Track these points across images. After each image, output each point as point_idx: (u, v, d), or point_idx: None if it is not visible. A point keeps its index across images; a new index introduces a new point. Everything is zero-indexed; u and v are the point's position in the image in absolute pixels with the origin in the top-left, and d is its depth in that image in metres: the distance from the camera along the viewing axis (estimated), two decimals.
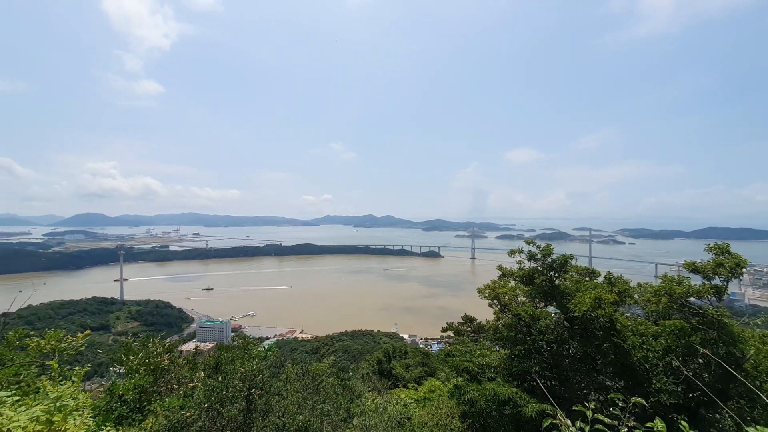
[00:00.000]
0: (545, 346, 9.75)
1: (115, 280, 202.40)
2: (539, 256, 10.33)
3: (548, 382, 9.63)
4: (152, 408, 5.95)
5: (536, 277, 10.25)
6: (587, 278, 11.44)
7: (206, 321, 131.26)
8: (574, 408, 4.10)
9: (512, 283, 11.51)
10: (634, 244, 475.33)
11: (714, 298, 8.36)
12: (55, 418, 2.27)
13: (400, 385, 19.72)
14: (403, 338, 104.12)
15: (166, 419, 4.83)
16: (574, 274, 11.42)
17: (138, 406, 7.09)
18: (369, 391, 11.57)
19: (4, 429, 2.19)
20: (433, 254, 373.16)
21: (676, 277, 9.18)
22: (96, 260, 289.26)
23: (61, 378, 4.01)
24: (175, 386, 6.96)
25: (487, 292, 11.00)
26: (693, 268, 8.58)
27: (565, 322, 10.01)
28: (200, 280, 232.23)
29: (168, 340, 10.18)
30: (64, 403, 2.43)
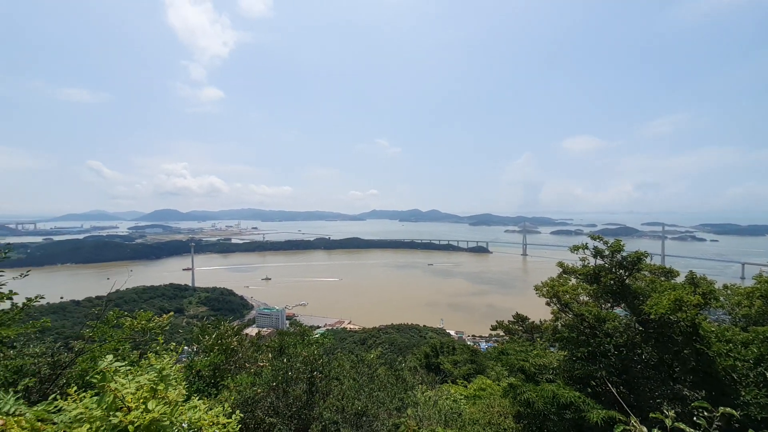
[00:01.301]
0: (612, 350, 9.00)
1: (183, 269, 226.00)
2: (607, 252, 9.49)
3: (615, 389, 8.90)
4: (226, 383, 6.65)
5: (603, 276, 9.44)
6: (662, 278, 10.32)
7: (264, 308, 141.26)
8: (651, 416, 3.76)
9: (573, 281, 10.74)
10: (716, 241, 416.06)
11: None
12: (159, 387, 2.63)
13: (448, 381, 19.58)
14: (449, 334, 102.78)
15: (239, 394, 5.35)
16: (647, 273, 10.36)
17: (213, 381, 7.93)
18: (419, 384, 11.63)
19: (119, 394, 2.59)
20: (480, 250, 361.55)
21: None
22: (171, 251, 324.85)
23: (163, 352, 4.61)
24: (247, 365, 7.65)
25: (545, 290, 10.38)
26: None
27: (637, 325, 9.13)
28: (257, 270, 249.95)
29: (237, 323, 11.20)
30: (165, 374, 2.81)
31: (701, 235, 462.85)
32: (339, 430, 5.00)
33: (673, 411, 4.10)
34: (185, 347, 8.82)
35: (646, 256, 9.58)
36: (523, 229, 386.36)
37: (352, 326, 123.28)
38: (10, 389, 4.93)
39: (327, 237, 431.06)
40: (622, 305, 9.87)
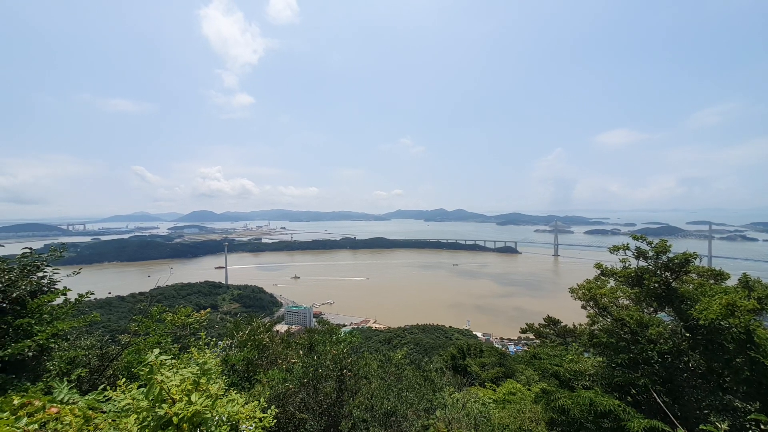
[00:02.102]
0: (656, 357, 8.42)
1: (215, 268, 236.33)
2: (651, 253, 8.87)
3: (659, 398, 8.33)
4: (258, 378, 6.87)
5: (647, 278, 8.84)
6: (712, 281, 9.54)
7: (292, 306, 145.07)
8: (701, 427, 3.46)
9: (612, 283, 10.15)
10: None
11: None
12: (201, 380, 2.75)
13: (476, 384, 19.19)
14: (476, 336, 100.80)
15: (271, 389, 5.50)
16: (694, 275, 9.61)
17: (246, 375, 8.22)
18: (446, 385, 11.46)
19: (165, 386, 2.72)
20: (508, 250, 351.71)
21: None
22: (207, 250, 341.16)
23: (204, 346, 4.82)
24: (279, 361, 7.87)
25: (581, 292, 9.86)
26: None
27: (684, 331, 8.50)
28: (286, 269, 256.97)
29: (267, 320, 11.58)
30: (206, 368, 2.93)
31: (753, 235, 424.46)
32: (368, 429, 5.02)
33: (726, 423, 3.77)
34: (219, 342, 9.22)
35: (694, 258, 8.88)
36: (555, 229, 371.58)
37: (377, 325, 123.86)
38: (64, 379, 5.35)
39: (352, 237, 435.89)
40: (667, 310, 9.22)
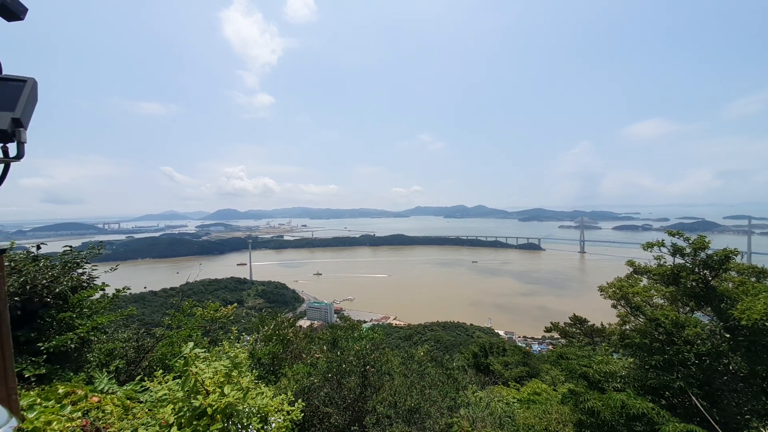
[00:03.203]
0: (693, 359, 7.99)
1: (238, 264, 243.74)
2: (688, 250, 8.38)
3: (696, 402, 7.90)
4: (283, 371, 7.04)
5: (683, 276, 8.36)
6: (753, 279, 8.93)
7: (314, 302, 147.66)
8: None
9: (645, 282, 9.67)
10: None
11: None
12: (233, 373, 2.84)
13: (499, 383, 18.89)
14: (498, 334, 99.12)
15: (296, 383, 5.63)
16: (734, 273, 9.03)
17: (272, 369, 8.45)
18: (470, 384, 11.33)
19: (199, 378, 2.82)
20: (531, 247, 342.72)
21: None
22: (232, 247, 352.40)
23: (235, 340, 4.98)
24: (303, 355, 8.04)
25: (611, 291, 9.45)
26: None
27: (724, 332, 8.02)
28: (306, 266, 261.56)
29: (290, 315, 11.85)
30: (237, 361, 3.02)
31: None
32: (392, 425, 5.04)
33: None
34: (247, 337, 9.51)
35: (736, 254, 8.33)
36: (581, 224, 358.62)
37: (397, 322, 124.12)
38: (104, 369, 5.67)
39: (372, 234, 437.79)
40: (705, 309, 8.71)
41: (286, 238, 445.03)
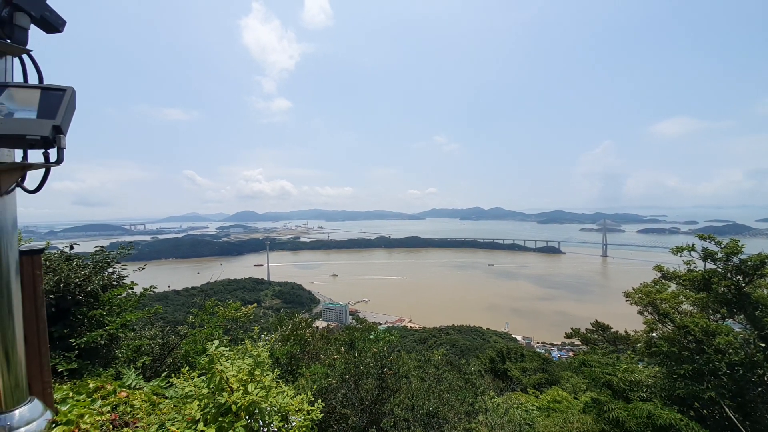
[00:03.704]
0: (725, 369, 7.60)
1: (255, 265, 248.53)
2: (720, 255, 7.98)
3: (729, 413, 7.49)
4: (301, 371, 7.13)
5: (715, 282, 7.97)
6: None
7: (329, 303, 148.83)
8: None
9: (673, 287, 9.27)
10: None
11: None
12: (256, 372, 2.91)
13: (517, 389, 18.49)
14: (516, 339, 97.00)
15: (314, 383, 5.69)
16: None
17: (290, 369, 8.56)
18: (488, 389, 11.15)
19: (224, 376, 2.90)
20: (550, 250, 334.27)
21: None
22: (250, 248, 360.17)
23: (257, 339, 5.09)
24: (322, 356, 8.12)
25: (637, 296, 9.09)
26: None
27: (759, 341, 7.59)
28: (322, 267, 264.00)
29: (307, 316, 12.01)
30: (259, 360, 3.10)
31: None
32: (410, 428, 5.01)
33: None
34: (266, 337, 9.68)
35: None
36: (603, 227, 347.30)
37: (412, 325, 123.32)
38: (131, 365, 5.89)
39: (387, 236, 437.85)
40: (737, 317, 8.28)
41: (302, 239, 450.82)
